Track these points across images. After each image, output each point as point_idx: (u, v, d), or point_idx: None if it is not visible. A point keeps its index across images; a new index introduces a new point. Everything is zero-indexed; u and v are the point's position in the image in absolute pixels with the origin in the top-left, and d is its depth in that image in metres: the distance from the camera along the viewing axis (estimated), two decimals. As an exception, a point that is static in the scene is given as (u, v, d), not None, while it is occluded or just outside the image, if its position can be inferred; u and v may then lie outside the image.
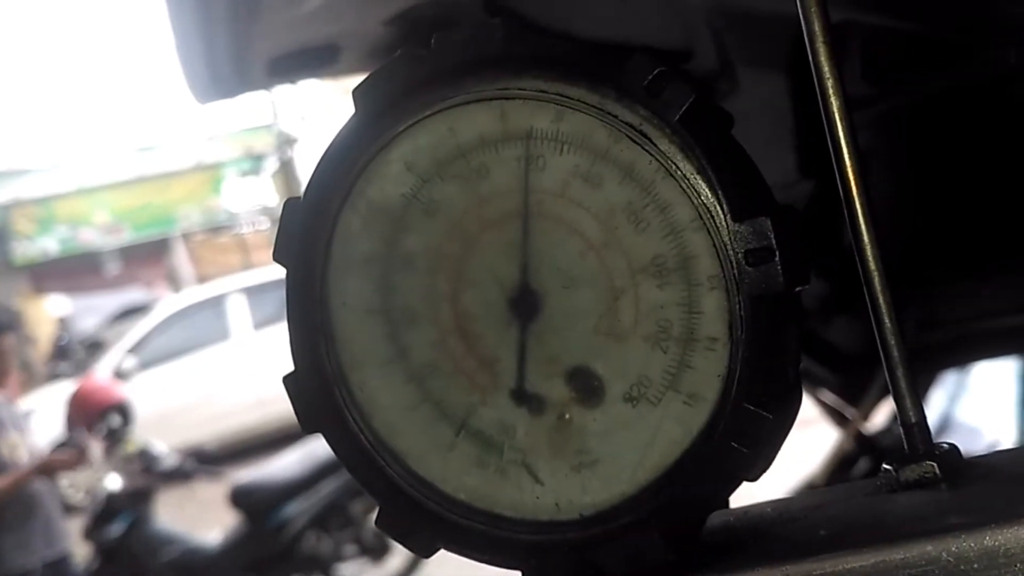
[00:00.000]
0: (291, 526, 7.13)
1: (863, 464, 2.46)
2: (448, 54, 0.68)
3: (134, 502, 6.92)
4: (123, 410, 7.82)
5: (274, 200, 23.50)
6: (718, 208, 0.61)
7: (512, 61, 0.66)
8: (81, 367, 13.24)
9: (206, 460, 7.91)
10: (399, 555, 7.61)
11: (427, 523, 0.70)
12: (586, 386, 0.66)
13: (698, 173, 0.61)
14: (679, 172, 0.61)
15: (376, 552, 7.54)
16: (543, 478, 0.68)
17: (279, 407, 11.28)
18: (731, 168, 0.61)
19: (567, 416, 0.67)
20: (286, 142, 22.60)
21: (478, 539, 0.69)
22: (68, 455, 5.92)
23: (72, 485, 9.88)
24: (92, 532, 6.66)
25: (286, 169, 22.72)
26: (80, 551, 6.47)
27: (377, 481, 0.71)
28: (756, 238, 0.60)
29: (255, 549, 7.10)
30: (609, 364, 0.66)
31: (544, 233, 0.66)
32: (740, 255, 0.60)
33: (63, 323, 20.11)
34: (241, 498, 7.26)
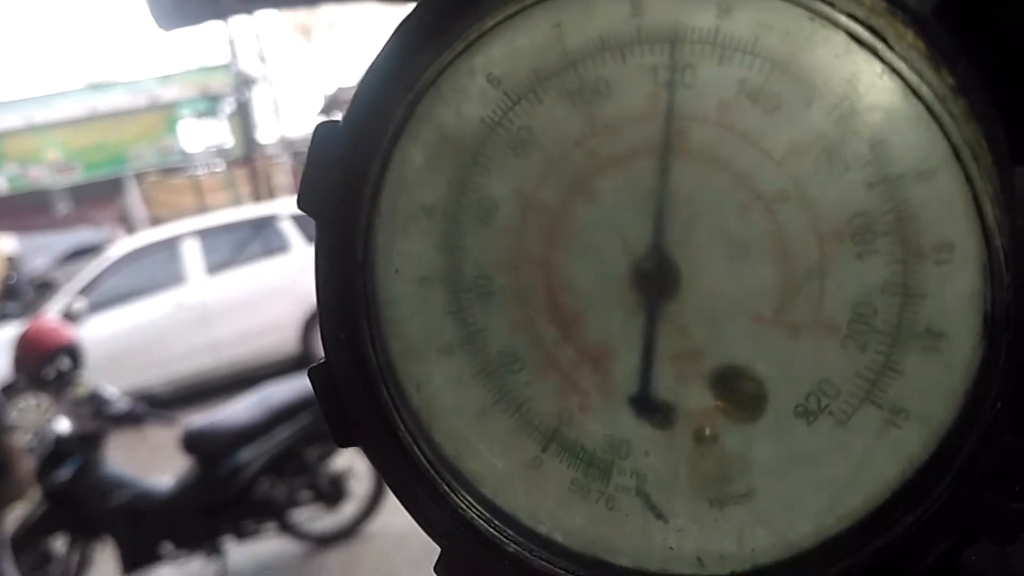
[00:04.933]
0: (244, 472, 7.07)
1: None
2: None
3: (83, 446, 6.80)
4: (73, 352, 7.64)
5: (230, 141, 23.12)
6: (981, 143, 0.41)
7: None
8: (30, 308, 12.94)
9: (158, 404, 7.79)
10: (354, 502, 7.54)
11: (508, 572, 0.50)
12: (739, 392, 0.47)
13: (957, 92, 0.41)
14: (926, 89, 0.41)
15: (331, 498, 7.49)
16: (669, 514, 0.49)
17: (232, 351, 11.15)
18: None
19: (708, 432, 0.48)
20: (244, 83, 22.16)
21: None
22: None
23: (21, 427, 9.65)
24: (40, 476, 6.48)
25: (243, 110, 22.31)
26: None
27: (438, 513, 0.51)
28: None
29: (207, 494, 7.04)
30: (775, 363, 0.46)
31: (691, 178, 0.46)
32: (1014, 213, 0.40)
33: (12, 262, 19.65)
34: (193, 443, 7.16)
